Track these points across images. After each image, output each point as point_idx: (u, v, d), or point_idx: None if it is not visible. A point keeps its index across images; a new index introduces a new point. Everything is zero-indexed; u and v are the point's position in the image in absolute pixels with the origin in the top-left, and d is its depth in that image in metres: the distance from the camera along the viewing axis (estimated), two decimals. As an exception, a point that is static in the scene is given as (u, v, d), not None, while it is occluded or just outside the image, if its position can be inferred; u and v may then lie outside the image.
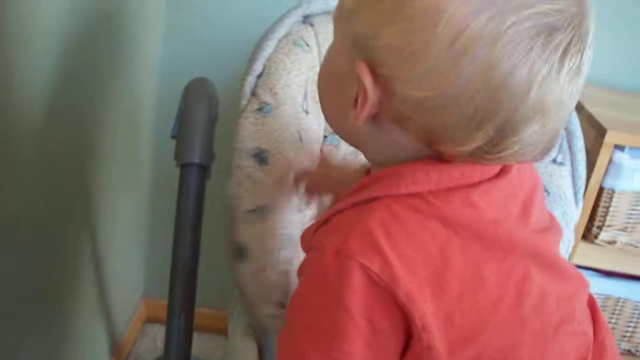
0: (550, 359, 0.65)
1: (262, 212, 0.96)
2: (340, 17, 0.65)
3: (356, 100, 0.63)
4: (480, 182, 0.64)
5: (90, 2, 1.14)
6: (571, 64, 0.57)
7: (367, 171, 0.78)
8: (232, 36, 1.50)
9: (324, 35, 1.04)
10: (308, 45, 1.02)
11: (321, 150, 1.05)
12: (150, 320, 1.83)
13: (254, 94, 0.98)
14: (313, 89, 1.03)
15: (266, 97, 0.97)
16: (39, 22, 0.97)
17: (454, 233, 0.62)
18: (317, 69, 1.00)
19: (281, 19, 1.03)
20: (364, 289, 0.59)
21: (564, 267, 0.70)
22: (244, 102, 0.98)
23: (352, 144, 0.73)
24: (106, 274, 1.50)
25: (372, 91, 0.61)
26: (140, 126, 1.57)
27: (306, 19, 1.05)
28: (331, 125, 0.74)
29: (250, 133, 0.96)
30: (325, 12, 1.06)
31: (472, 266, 0.62)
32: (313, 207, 1.04)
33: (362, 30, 0.60)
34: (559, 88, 0.57)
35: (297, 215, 1.01)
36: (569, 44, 0.56)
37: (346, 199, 0.66)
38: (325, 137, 1.07)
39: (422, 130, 0.61)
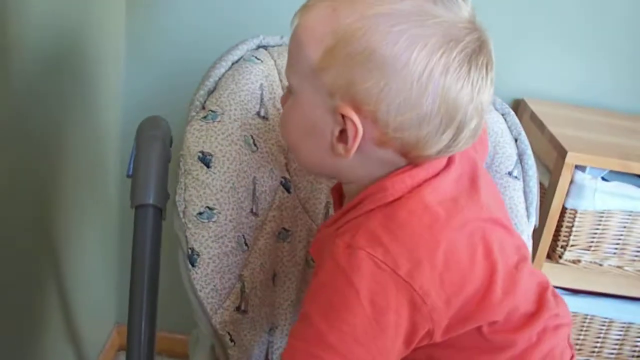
0: (518, 291, 0.81)
1: (211, 214, 0.97)
2: (307, 74, 0.78)
3: (339, 137, 0.78)
4: (439, 173, 0.82)
5: (52, 37, 1.18)
6: (491, 75, 0.78)
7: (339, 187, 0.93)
8: (194, 71, 1.53)
9: (279, 54, 1.08)
10: (259, 59, 1.05)
11: None
12: (124, 348, 1.82)
13: (203, 107, 1.01)
14: (273, 97, 1.05)
15: (212, 107, 1.01)
16: (4, 56, 1.01)
17: (433, 215, 0.78)
18: (274, 77, 1.03)
19: (237, 45, 1.08)
20: (371, 274, 0.74)
21: (510, 226, 0.89)
22: (192, 113, 1.00)
23: (331, 176, 0.93)
24: (77, 303, 1.51)
25: (360, 125, 0.76)
26: (107, 155, 1.59)
27: (261, 47, 1.10)
28: (309, 167, 0.90)
29: (194, 139, 0.98)
30: (280, 45, 1.11)
31: (450, 237, 0.78)
32: (273, 209, 1.06)
33: (338, 82, 0.75)
34: (487, 94, 0.78)
35: (250, 218, 1.02)
36: (487, 63, 0.77)
37: (346, 216, 0.83)
38: (289, 145, 1.09)
39: (401, 146, 0.77)
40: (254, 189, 1.03)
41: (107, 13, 1.47)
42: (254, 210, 1.03)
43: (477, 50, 0.75)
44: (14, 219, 1.15)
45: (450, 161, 0.84)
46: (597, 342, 1.59)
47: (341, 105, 0.76)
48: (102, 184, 1.60)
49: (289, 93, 0.84)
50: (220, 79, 1.04)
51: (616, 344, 1.60)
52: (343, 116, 0.76)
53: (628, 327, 1.59)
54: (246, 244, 1.02)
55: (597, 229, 1.44)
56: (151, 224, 0.95)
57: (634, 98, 1.70)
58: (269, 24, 1.41)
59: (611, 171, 1.41)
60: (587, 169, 1.39)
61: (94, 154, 1.50)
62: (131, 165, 0.99)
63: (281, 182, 1.08)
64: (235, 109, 1.02)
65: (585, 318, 1.54)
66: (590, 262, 1.46)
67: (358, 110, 0.75)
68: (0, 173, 1.08)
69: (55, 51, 1.21)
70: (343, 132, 0.78)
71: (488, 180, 0.92)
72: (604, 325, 1.57)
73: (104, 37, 1.46)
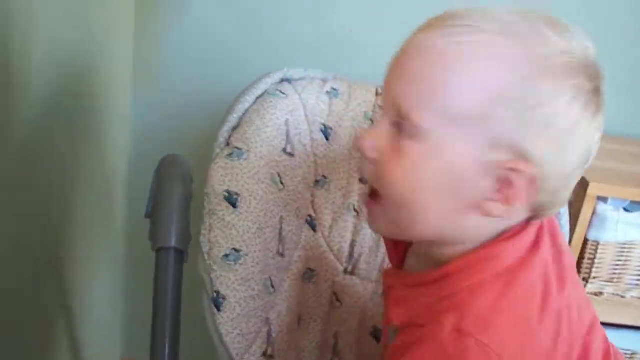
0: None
1: (238, 256, 0.95)
2: (456, 118, 0.66)
3: (496, 195, 0.68)
4: (538, 239, 0.74)
5: (58, 74, 1.15)
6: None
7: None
8: (204, 111, 1.51)
9: (303, 88, 1.05)
10: (284, 93, 1.03)
11: None
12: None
13: (228, 143, 0.98)
14: (299, 132, 1.03)
15: (238, 144, 0.98)
16: (16, 99, 0.99)
17: (541, 294, 0.71)
18: (299, 112, 1.01)
19: (260, 79, 1.04)
20: None
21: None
22: (217, 150, 0.98)
23: (436, 237, 0.73)
24: (83, 336, 1.47)
25: (537, 181, 0.67)
26: (115, 192, 1.56)
27: (284, 80, 1.06)
28: (428, 230, 0.72)
29: (220, 177, 0.95)
30: (303, 79, 1.07)
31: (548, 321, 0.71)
32: (299, 249, 1.03)
33: (507, 135, 0.65)
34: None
35: (276, 260, 0.99)
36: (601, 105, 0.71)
37: (447, 283, 0.71)
38: (317, 181, 1.06)
39: (539, 205, 0.70)
40: (281, 229, 1.00)
41: (115, 48, 1.44)
42: (281, 251, 1.00)
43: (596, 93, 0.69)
44: (23, 257, 1.12)
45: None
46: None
47: (508, 160, 0.66)
48: (109, 222, 1.56)
49: (400, 134, 0.69)
50: (244, 114, 1.01)
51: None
52: (511, 170, 0.66)
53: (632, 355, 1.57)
54: (272, 286, 0.99)
55: (620, 260, 1.42)
56: (173, 267, 0.92)
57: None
58: (280, 58, 1.40)
59: (632, 202, 1.39)
60: (609, 200, 1.37)
61: (103, 192, 1.47)
62: (150, 205, 0.97)
63: (307, 221, 1.05)
64: (262, 146, 0.99)
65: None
66: (613, 294, 1.44)
67: (528, 161, 0.66)
68: (8, 212, 1.04)
69: (62, 88, 1.18)
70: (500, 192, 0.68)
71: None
72: (627, 358, 1.55)
73: (112, 73, 1.43)
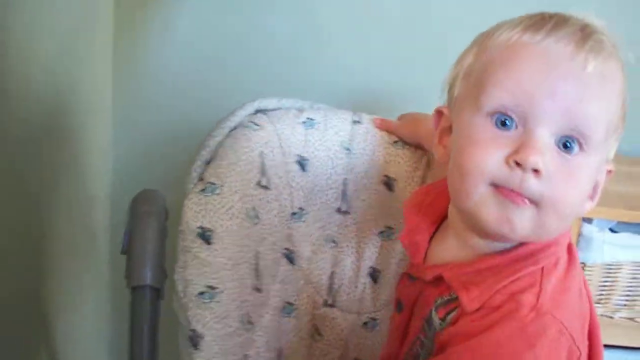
0: None
1: (213, 294, 0.93)
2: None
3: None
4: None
5: (38, 107, 1.15)
6: None
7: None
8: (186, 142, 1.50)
9: (278, 118, 1.04)
10: (258, 125, 1.02)
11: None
12: None
13: (201, 178, 0.97)
14: (274, 164, 1.02)
15: (211, 178, 0.96)
16: None
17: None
18: (274, 144, 1.00)
19: (233, 111, 1.04)
20: (552, 340, 0.70)
21: None
22: (190, 186, 0.97)
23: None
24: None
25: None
26: (97, 226, 1.54)
27: (259, 111, 1.05)
28: (567, 226, 0.78)
29: (193, 214, 0.94)
30: (278, 109, 1.07)
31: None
32: (276, 283, 1.02)
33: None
34: None
35: (254, 295, 0.98)
36: None
37: (516, 267, 0.74)
38: (293, 213, 1.05)
39: None
40: (257, 264, 0.99)
41: (94, 82, 1.43)
42: (258, 286, 0.99)
43: None
44: (4, 290, 1.11)
45: None
46: (610, 394, 1.55)
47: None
48: (92, 257, 1.54)
49: (566, 149, 0.72)
50: (217, 148, 1.01)
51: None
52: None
53: (640, 377, 1.56)
54: (250, 322, 0.98)
55: (607, 281, 1.41)
56: (149, 305, 0.91)
57: (634, 140, 1.68)
58: (262, 88, 1.39)
59: (619, 222, 1.38)
60: (595, 221, 1.36)
61: (84, 225, 1.45)
62: (126, 242, 0.95)
63: (284, 254, 1.04)
64: (235, 180, 0.98)
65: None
66: (601, 315, 1.42)
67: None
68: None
69: (40, 118, 1.17)
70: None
71: None
72: (617, 378, 1.54)
73: (91, 107, 1.43)
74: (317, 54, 1.52)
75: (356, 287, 1.08)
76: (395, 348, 0.88)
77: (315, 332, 1.08)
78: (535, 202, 0.71)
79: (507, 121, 0.71)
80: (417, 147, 1.08)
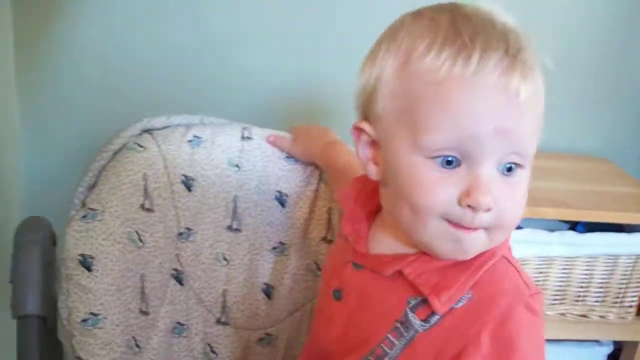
0: None
1: (96, 320, 0.94)
2: (527, 162, 0.74)
3: None
4: None
5: None
6: None
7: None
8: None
9: (164, 138, 1.04)
10: (142, 147, 1.02)
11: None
12: None
13: (83, 204, 0.97)
14: (158, 186, 1.02)
15: (92, 204, 0.96)
16: None
17: None
18: (159, 165, 1.00)
19: (118, 133, 1.03)
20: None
21: None
22: (72, 212, 0.96)
23: None
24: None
25: None
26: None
27: (145, 131, 1.05)
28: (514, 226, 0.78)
29: (74, 241, 0.94)
30: (166, 127, 1.06)
31: None
32: (165, 304, 1.03)
33: None
34: None
35: (140, 319, 0.99)
36: None
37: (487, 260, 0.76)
38: (180, 233, 1.06)
39: None
40: (143, 287, 1.00)
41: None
42: (144, 309, 1.00)
43: None
44: None
45: None
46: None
47: None
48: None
49: (509, 170, 0.73)
50: (101, 172, 1.01)
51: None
52: None
53: (556, 368, 1.60)
54: (137, 346, 0.99)
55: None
56: (35, 334, 0.92)
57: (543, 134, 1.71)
58: (165, 104, 1.39)
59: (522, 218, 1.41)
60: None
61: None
62: (11, 271, 0.96)
63: (172, 275, 1.05)
64: (117, 205, 0.98)
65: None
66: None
67: None
68: None
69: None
70: None
71: None
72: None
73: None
74: (223, 63, 1.53)
75: (250, 303, 1.10)
76: (335, 335, 0.86)
77: (210, 350, 1.09)
78: (486, 228, 0.73)
79: (451, 160, 0.71)
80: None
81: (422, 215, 0.73)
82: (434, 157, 0.71)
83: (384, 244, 0.82)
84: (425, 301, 0.76)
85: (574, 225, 1.53)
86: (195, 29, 1.50)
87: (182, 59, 1.51)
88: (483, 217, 0.71)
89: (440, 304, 0.75)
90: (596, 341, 1.60)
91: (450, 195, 0.71)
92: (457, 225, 0.72)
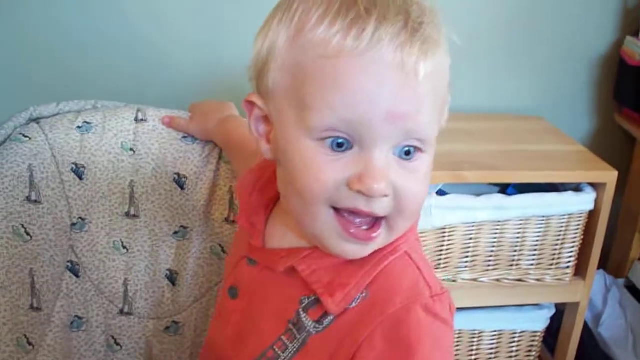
0: None
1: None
2: (428, 147, 0.69)
3: None
4: None
5: None
6: None
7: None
8: None
9: (51, 126, 1.02)
10: (27, 137, 0.99)
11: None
12: None
13: None
14: (45, 176, 1.00)
15: (-28, 199, 0.94)
16: None
17: None
18: (45, 155, 0.98)
19: (2, 123, 1.00)
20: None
21: None
22: None
23: None
24: None
25: None
26: None
27: (32, 121, 1.03)
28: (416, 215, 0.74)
29: (-51, 240, 0.92)
30: (56, 114, 1.04)
31: None
32: (60, 298, 1.01)
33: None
34: None
35: (31, 315, 0.97)
36: None
37: (378, 260, 0.72)
38: (73, 224, 1.03)
39: None
40: (33, 282, 0.98)
41: None
42: (36, 305, 0.98)
43: None
44: None
45: None
46: (471, 354, 1.59)
47: None
48: None
49: (407, 154, 0.68)
50: (-17, 165, 0.98)
51: (491, 353, 1.61)
52: None
53: (499, 334, 1.60)
54: (30, 344, 0.97)
55: (443, 245, 1.43)
56: None
57: (472, 95, 1.71)
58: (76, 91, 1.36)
59: (446, 184, 1.40)
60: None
61: None
62: None
63: (67, 267, 1.03)
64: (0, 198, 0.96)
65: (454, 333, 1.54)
66: (443, 280, 1.45)
67: None
68: None
69: None
70: None
71: None
72: (474, 337, 1.58)
73: None
74: (124, 49, 1.51)
75: (154, 292, 1.08)
76: (229, 335, 0.83)
77: (114, 342, 1.07)
78: (384, 217, 0.69)
79: (342, 143, 0.65)
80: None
81: (309, 203, 0.67)
82: (323, 139, 0.65)
83: (281, 237, 0.78)
84: (318, 301, 0.72)
85: (505, 188, 1.53)
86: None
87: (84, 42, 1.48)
88: (380, 204, 0.67)
89: (334, 305, 0.71)
90: (536, 305, 1.61)
91: (341, 181, 0.66)
92: (354, 233, 0.68)
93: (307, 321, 0.73)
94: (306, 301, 0.73)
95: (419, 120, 0.66)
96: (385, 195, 0.67)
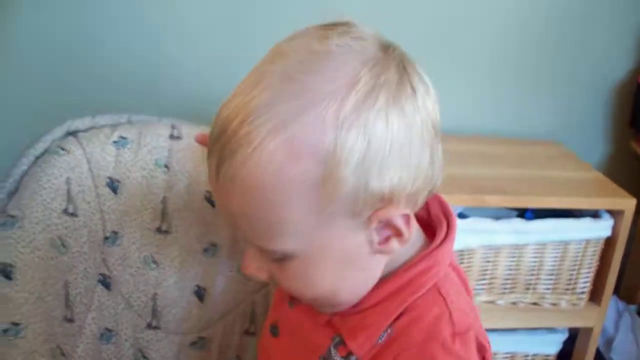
0: None
1: (17, 330, 0.94)
2: (306, 228, 0.67)
3: (384, 240, 0.71)
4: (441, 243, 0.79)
5: None
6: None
7: None
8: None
9: (88, 140, 1.05)
10: (65, 150, 1.02)
11: None
12: None
13: (3, 211, 0.97)
14: (82, 189, 1.03)
15: (12, 211, 0.96)
16: None
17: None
18: (82, 168, 1.01)
19: (40, 137, 1.03)
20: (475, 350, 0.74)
21: None
22: None
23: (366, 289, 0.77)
24: None
25: (407, 211, 0.70)
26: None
27: (69, 134, 1.05)
28: (358, 295, 0.76)
29: (-8, 251, 0.94)
30: (92, 128, 1.07)
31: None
32: (91, 310, 1.04)
33: (358, 201, 0.66)
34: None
35: (64, 326, 1.00)
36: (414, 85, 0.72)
37: (396, 301, 0.75)
38: (106, 238, 1.06)
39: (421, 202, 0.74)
40: (67, 294, 1.00)
41: None
42: (69, 317, 1.00)
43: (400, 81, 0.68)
44: None
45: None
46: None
47: (374, 214, 0.68)
48: None
49: (272, 262, 0.72)
50: (22, 177, 1.01)
51: (502, 375, 1.64)
52: (384, 220, 0.69)
53: (512, 357, 1.63)
54: (63, 354, 0.99)
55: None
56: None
57: (494, 119, 1.74)
58: (92, 103, 1.38)
59: (466, 207, 1.43)
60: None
61: None
62: None
63: (99, 280, 1.06)
64: (37, 210, 0.98)
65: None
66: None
67: (390, 202, 0.68)
68: None
69: None
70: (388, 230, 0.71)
71: None
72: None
73: None
74: (151, 59, 1.53)
75: (182, 307, 1.11)
76: None
77: (141, 356, 1.10)
78: None
79: None
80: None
81: None
82: None
83: None
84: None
85: (523, 212, 1.56)
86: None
87: (105, 56, 1.51)
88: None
89: (357, 345, 0.75)
90: (550, 329, 1.63)
91: None
92: None
93: (337, 357, 0.77)
94: (337, 339, 0.77)
95: (242, 230, 0.70)
96: (264, 280, 0.76)
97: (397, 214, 0.69)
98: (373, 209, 0.68)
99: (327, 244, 0.69)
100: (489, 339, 0.80)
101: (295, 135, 0.63)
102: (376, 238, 0.71)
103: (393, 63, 0.68)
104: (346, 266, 0.72)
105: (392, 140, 0.65)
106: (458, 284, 0.80)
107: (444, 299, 0.75)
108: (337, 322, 0.78)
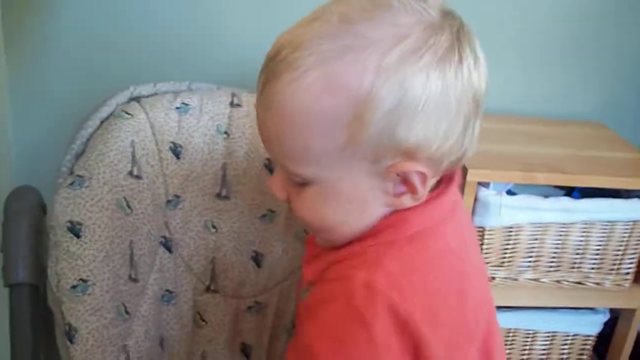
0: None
1: (85, 287, 0.97)
2: (328, 160, 0.72)
3: (400, 192, 0.75)
4: (454, 207, 0.82)
5: None
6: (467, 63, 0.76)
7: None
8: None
9: (151, 105, 1.07)
10: (129, 114, 1.04)
11: None
12: None
13: (71, 172, 1.00)
14: (145, 153, 1.05)
15: (80, 171, 0.99)
16: None
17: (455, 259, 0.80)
18: (146, 132, 1.03)
19: (105, 101, 1.06)
20: (388, 319, 0.71)
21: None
22: (60, 180, 1.00)
23: (361, 233, 0.80)
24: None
25: (425, 169, 0.73)
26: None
27: (132, 99, 1.08)
28: (346, 234, 0.79)
29: (62, 208, 0.97)
30: (153, 94, 1.10)
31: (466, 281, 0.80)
32: (154, 271, 1.06)
33: (382, 146, 0.71)
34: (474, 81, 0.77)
35: (129, 285, 1.02)
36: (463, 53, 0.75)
37: (363, 241, 0.78)
38: (168, 201, 1.09)
39: (442, 169, 0.77)
40: (132, 254, 1.03)
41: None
42: (133, 276, 1.03)
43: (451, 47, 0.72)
44: None
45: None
46: (524, 354, 1.63)
47: (393, 165, 0.73)
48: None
49: (293, 185, 0.78)
50: (88, 139, 1.04)
51: (543, 354, 1.65)
52: (402, 173, 0.74)
53: (553, 336, 1.64)
54: (127, 312, 1.02)
55: (508, 244, 1.47)
56: (27, 303, 0.95)
57: (544, 100, 1.75)
58: (157, 69, 1.41)
59: (515, 184, 1.44)
60: (491, 185, 1.41)
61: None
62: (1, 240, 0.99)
63: (161, 242, 1.08)
64: (104, 172, 1.01)
65: (509, 332, 1.58)
66: (505, 278, 1.50)
67: (412, 157, 0.72)
68: None
69: None
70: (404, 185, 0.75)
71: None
72: (528, 337, 1.62)
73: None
74: (208, 32, 1.54)
75: (239, 272, 1.13)
76: None
77: (199, 318, 1.13)
78: None
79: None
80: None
81: None
82: None
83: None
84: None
85: (570, 191, 1.56)
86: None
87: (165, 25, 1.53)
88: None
89: (307, 270, 0.84)
90: (592, 309, 1.64)
91: None
92: None
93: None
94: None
95: (272, 150, 0.78)
96: (281, 199, 0.82)
97: (414, 170, 0.73)
98: (394, 159, 0.72)
99: (344, 181, 0.74)
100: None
101: (334, 72, 0.68)
102: (391, 190, 0.75)
103: (448, 30, 0.72)
104: (355, 207, 0.77)
105: (427, 98, 0.69)
106: (430, 264, 0.78)
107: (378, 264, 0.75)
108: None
